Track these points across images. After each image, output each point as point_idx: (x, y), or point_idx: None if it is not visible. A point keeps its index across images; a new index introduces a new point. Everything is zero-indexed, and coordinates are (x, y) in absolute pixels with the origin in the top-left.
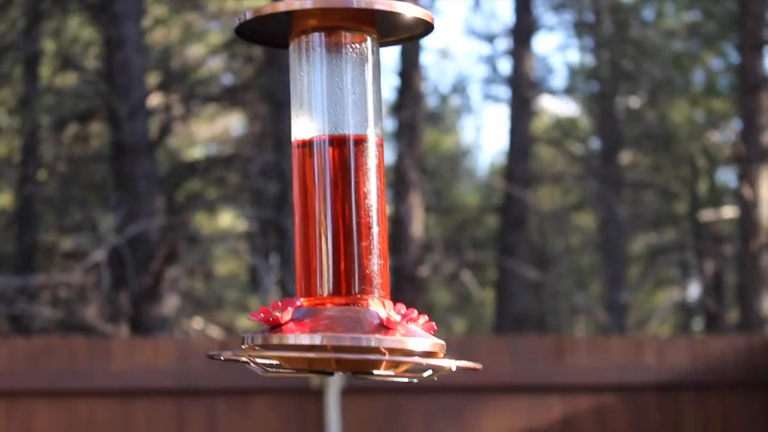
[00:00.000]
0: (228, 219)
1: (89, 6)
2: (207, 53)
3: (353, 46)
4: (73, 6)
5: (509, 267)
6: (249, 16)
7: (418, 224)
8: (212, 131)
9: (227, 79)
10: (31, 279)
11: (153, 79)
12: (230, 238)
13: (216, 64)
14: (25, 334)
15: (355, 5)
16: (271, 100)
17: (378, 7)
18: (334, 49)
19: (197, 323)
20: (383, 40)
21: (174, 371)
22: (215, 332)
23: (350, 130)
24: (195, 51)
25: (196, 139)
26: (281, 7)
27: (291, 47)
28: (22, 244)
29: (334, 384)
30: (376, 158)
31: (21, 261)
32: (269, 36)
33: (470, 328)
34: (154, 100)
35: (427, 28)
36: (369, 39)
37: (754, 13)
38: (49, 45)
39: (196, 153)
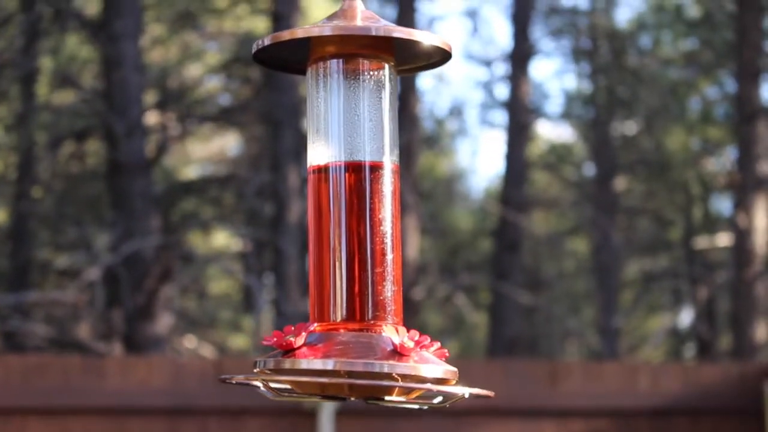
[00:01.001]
0: (222, 239)
1: (87, 24)
2: (204, 73)
3: (371, 73)
4: (71, 24)
5: (503, 291)
6: (267, 41)
7: (413, 247)
8: (208, 151)
9: (224, 100)
10: (26, 296)
11: (150, 98)
12: (224, 257)
13: (213, 84)
14: (18, 351)
15: (374, 33)
16: (267, 121)
17: (396, 35)
18: (351, 76)
19: (190, 342)
20: (401, 68)
21: (167, 390)
22: (208, 351)
23: (366, 157)
24: (193, 71)
25: (192, 159)
26: (300, 33)
27: (308, 73)
28: (17, 261)
29: (328, 405)
30: (392, 185)
31: (15, 278)
32: (287, 62)
33: (463, 351)
34: (151, 119)
35: (444, 56)
36: (387, 66)
37: (752, 43)
38: (46, 63)
39: (192, 172)
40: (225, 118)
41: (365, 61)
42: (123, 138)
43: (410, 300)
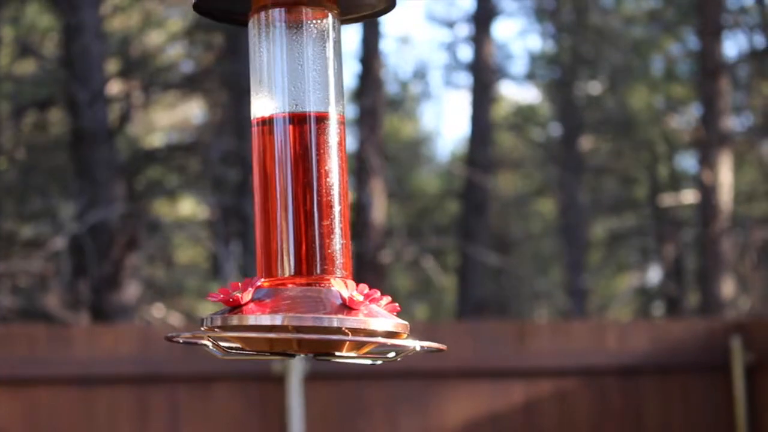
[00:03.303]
0: (189, 206)
1: None
2: (167, 40)
3: (314, 22)
4: None
5: (470, 253)
6: None
7: (379, 210)
8: (172, 118)
9: (187, 67)
10: None
11: (112, 66)
12: (191, 225)
13: (176, 51)
14: None
15: None
16: (231, 87)
17: None
18: (294, 25)
19: (158, 310)
20: (345, 17)
21: (135, 358)
22: (176, 319)
23: (311, 108)
24: (155, 38)
25: (156, 127)
26: None
27: (250, 24)
28: None
29: (297, 370)
30: (338, 136)
31: None
32: (228, 12)
33: (432, 313)
34: (114, 87)
35: (388, 4)
36: (330, 15)
37: None
38: (7, 32)
39: (157, 140)
40: (188, 85)
41: (308, 10)
42: (86, 107)
43: (378, 263)
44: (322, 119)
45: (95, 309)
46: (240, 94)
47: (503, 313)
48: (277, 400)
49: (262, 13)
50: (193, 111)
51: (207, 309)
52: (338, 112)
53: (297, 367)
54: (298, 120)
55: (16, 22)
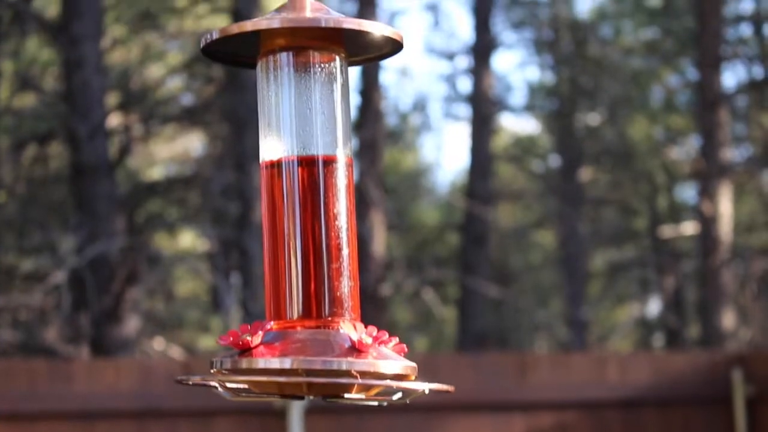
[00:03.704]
0: (189, 239)
1: (47, 27)
2: (166, 73)
3: (322, 65)
4: (31, 27)
5: (471, 285)
6: (215, 35)
7: (379, 243)
8: (172, 151)
9: (187, 99)
10: None
11: (112, 99)
12: (191, 258)
13: (176, 84)
14: None
15: (323, 24)
16: (231, 120)
17: (346, 26)
18: (302, 68)
19: (158, 344)
20: (352, 60)
21: (136, 393)
22: (177, 353)
23: (319, 151)
24: (154, 71)
25: (156, 160)
26: (248, 26)
27: (258, 67)
28: None
29: (298, 404)
30: (346, 178)
31: None
32: (236, 56)
33: (432, 346)
34: (114, 120)
35: (395, 46)
36: (337, 58)
37: (712, 30)
38: (7, 66)
39: (156, 173)
40: (188, 117)
41: (316, 54)
42: (86, 140)
43: (378, 296)
44: (330, 162)
45: (95, 343)
46: (240, 127)
47: (503, 344)
48: None
49: (270, 57)
50: (193, 144)
51: (207, 343)
52: (346, 154)
53: (297, 402)
54: (307, 163)
55: (16, 56)
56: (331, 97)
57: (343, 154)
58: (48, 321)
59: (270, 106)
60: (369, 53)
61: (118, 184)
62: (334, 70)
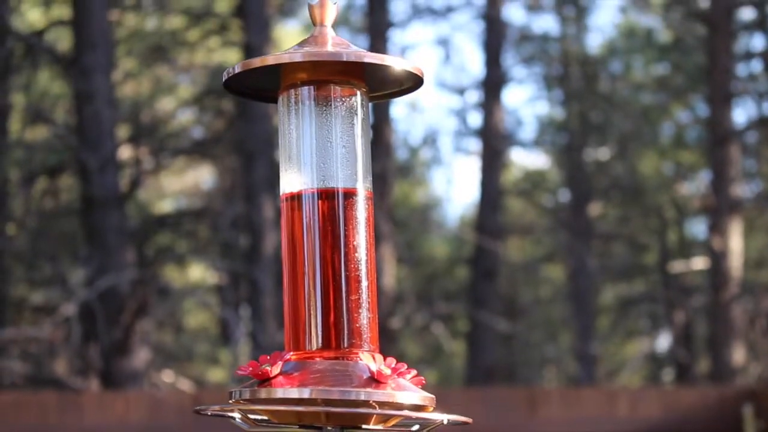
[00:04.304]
0: (198, 272)
1: (59, 60)
2: (177, 106)
3: (342, 99)
4: (42, 60)
5: (480, 319)
6: (238, 69)
7: (389, 276)
8: (182, 184)
9: (197, 132)
10: (1, 333)
11: (123, 132)
12: (200, 291)
13: (186, 117)
14: None
15: (345, 59)
16: (241, 152)
17: (367, 60)
18: (323, 102)
19: (168, 376)
20: (373, 94)
21: (146, 425)
22: (186, 385)
23: (339, 184)
24: (165, 104)
25: (167, 192)
26: (270, 60)
27: (280, 101)
28: None
29: None
30: (365, 211)
31: None
32: (257, 89)
33: (442, 379)
34: (125, 153)
35: (416, 81)
36: (358, 93)
37: (722, 67)
38: (18, 99)
39: (166, 206)
40: (198, 150)
41: (337, 88)
42: (96, 173)
43: (387, 329)
44: (350, 195)
45: (105, 375)
46: (250, 159)
47: (512, 379)
48: None
49: (292, 91)
50: (203, 176)
51: (216, 375)
52: (366, 188)
53: None
54: (327, 196)
55: (27, 88)
56: (352, 131)
57: (362, 187)
58: (57, 353)
59: (291, 139)
60: (389, 88)
61: (128, 217)
62: (354, 104)
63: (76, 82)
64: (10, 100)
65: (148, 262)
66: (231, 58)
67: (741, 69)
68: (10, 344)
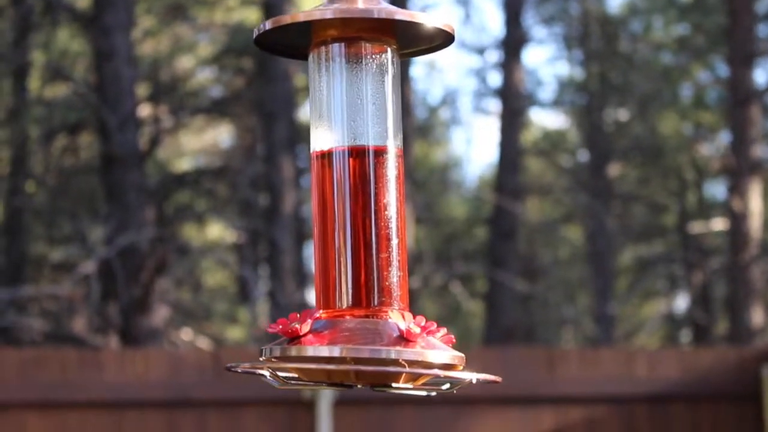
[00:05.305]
0: (217, 230)
1: (79, 18)
2: (196, 65)
3: (373, 56)
4: (62, 17)
5: (499, 279)
6: (268, 26)
7: (408, 236)
8: (201, 143)
9: (217, 91)
10: (21, 291)
11: (142, 90)
12: (219, 249)
13: (205, 75)
14: (14, 346)
15: (376, 15)
16: (260, 112)
17: (398, 17)
18: (353, 59)
19: (186, 335)
20: (403, 51)
21: (165, 383)
22: (204, 343)
23: (370, 141)
24: (184, 63)
25: (186, 151)
26: (301, 17)
27: (310, 58)
28: (11, 256)
29: (326, 395)
30: (396, 169)
31: (10, 273)
32: (288, 47)
33: (460, 339)
34: (144, 111)
35: (447, 39)
36: (389, 50)
37: (744, 26)
38: (38, 57)
39: (185, 164)
40: (218, 109)
41: (367, 45)
42: (116, 131)
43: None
44: (380, 153)
45: (124, 333)
46: (269, 119)
47: (530, 339)
48: (307, 425)
49: (322, 48)
50: (222, 135)
51: (235, 334)
52: (396, 145)
53: (326, 392)
54: (357, 153)
55: (47, 46)
56: (382, 89)
57: (393, 144)
58: (77, 311)
59: (321, 96)
60: (419, 45)
61: (147, 175)
62: (385, 61)
63: (95, 40)
64: (30, 58)
65: (167, 220)
66: (250, 17)
67: (762, 29)
68: (30, 302)
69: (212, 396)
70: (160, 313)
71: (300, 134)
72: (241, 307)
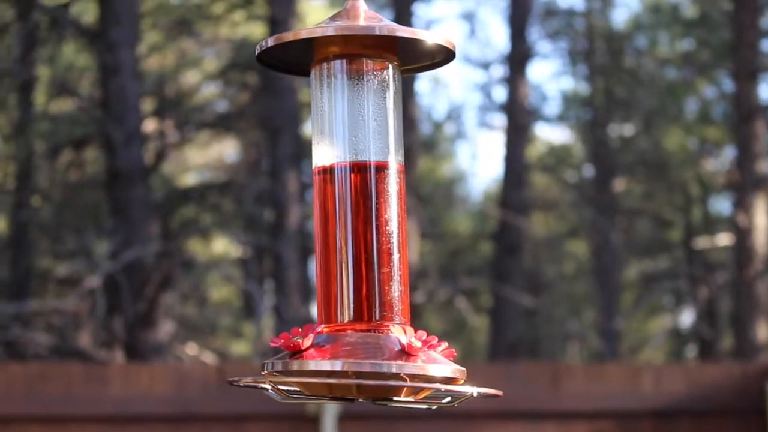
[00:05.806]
0: (222, 245)
1: (84, 32)
2: (202, 80)
3: (375, 73)
4: (68, 32)
5: (504, 294)
6: (270, 42)
7: (413, 251)
8: (207, 157)
9: (222, 106)
10: (26, 305)
11: (148, 105)
12: (224, 264)
13: (211, 90)
14: (19, 360)
15: (377, 32)
16: (266, 127)
17: (400, 34)
18: (355, 76)
19: (191, 349)
20: (404, 68)
21: (170, 397)
22: (209, 358)
23: (371, 157)
24: (190, 78)
25: (191, 166)
26: (303, 34)
27: (312, 74)
28: (17, 270)
29: (331, 410)
30: (397, 185)
31: (15, 287)
32: (290, 63)
33: (465, 354)
34: (149, 126)
35: (448, 55)
36: (390, 66)
37: (748, 42)
38: (44, 71)
39: (191, 179)
40: (223, 124)
41: (369, 61)
42: (121, 146)
43: (411, 304)
44: (382, 168)
45: (129, 347)
46: (274, 134)
47: (535, 354)
48: None
49: (324, 65)
50: (227, 150)
51: (239, 348)
52: (398, 161)
53: (331, 407)
54: (359, 169)
55: (53, 61)
56: (384, 105)
57: (394, 160)
58: (82, 325)
59: (323, 112)
60: (421, 61)
61: (152, 190)
62: (386, 77)
63: (101, 55)
64: (36, 73)
65: (172, 235)
66: (256, 32)
67: (767, 45)
68: (35, 316)
69: (217, 411)
70: (165, 328)
71: (305, 149)
72: (246, 322)
